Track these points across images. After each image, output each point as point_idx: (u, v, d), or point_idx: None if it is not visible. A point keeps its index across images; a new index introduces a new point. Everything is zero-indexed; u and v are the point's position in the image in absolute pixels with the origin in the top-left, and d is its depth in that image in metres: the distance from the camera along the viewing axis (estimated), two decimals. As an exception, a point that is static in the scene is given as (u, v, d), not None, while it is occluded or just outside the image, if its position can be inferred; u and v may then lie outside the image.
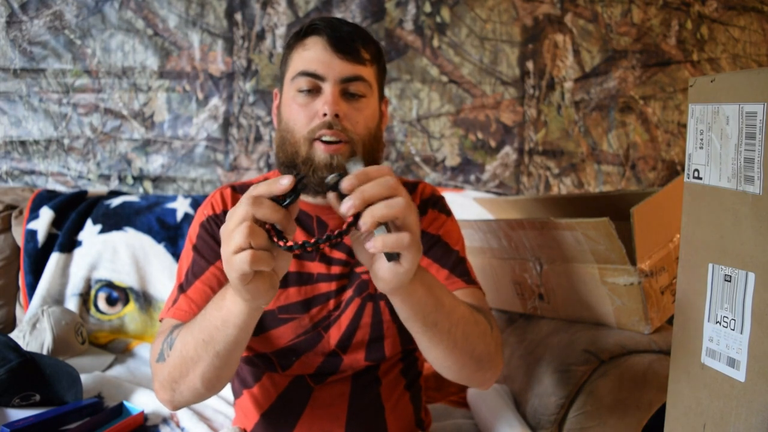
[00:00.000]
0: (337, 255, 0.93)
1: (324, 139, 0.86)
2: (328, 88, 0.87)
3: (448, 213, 1.03)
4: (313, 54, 0.88)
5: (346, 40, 0.87)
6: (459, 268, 0.97)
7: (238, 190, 0.98)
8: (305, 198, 0.95)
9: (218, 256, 0.90)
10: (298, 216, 0.94)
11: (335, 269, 0.92)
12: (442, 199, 1.03)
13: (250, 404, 0.96)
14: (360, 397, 0.93)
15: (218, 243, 0.89)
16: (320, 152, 0.86)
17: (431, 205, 1.01)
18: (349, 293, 0.92)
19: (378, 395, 0.94)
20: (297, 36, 0.91)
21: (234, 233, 0.58)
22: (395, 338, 0.95)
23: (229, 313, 0.67)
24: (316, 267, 0.92)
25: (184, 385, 0.76)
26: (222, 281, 0.89)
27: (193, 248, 0.93)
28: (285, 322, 0.90)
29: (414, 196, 1.01)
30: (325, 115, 0.85)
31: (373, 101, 0.92)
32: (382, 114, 0.97)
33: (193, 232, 0.96)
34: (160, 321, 0.90)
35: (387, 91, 1.86)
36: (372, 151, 0.91)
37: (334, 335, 0.91)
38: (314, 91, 0.88)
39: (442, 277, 0.96)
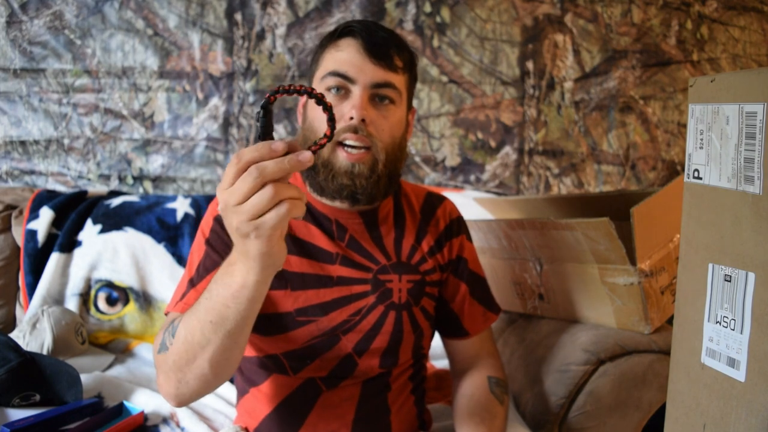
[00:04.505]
0: (359, 259, 0.93)
1: (347, 143, 0.85)
2: (357, 91, 0.85)
3: (468, 234, 1.06)
4: (346, 56, 0.86)
5: (381, 46, 0.86)
6: (488, 298, 1.05)
7: None
8: (323, 200, 0.94)
9: (231, 250, 0.87)
10: (318, 218, 0.94)
11: (356, 273, 0.92)
12: (463, 219, 1.06)
13: (256, 403, 0.95)
14: (368, 401, 0.93)
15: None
16: (342, 159, 0.85)
17: (464, 230, 1.05)
18: (371, 299, 0.91)
19: (385, 399, 0.94)
20: (331, 36, 0.90)
21: (255, 198, 0.56)
22: (409, 346, 0.95)
23: (242, 287, 0.65)
24: (336, 270, 0.91)
25: (190, 373, 0.73)
26: None
27: (206, 242, 0.90)
28: (302, 325, 0.89)
29: (442, 212, 1.02)
30: (351, 118, 0.84)
31: (401, 110, 0.91)
32: (408, 123, 0.96)
33: (206, 225, 0.92)
34: (166, 314, 0.87)
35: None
36: (394, 160, 0.91)
37: (353, 339, 0.90)
38: (343, 93, 0.87)
39: (480, 313, 1.02)
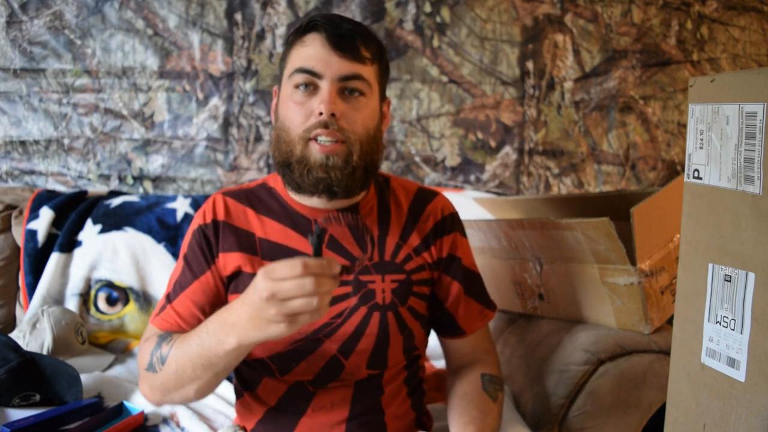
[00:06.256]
0: (339, 260, 0.93)
1: (320, 140, 0.85)
2: (325, 86, 0.85)
3: (463, 231, 1.04)
4: (312, 51, 0.86)
5: (346, 38, 0.85)
6: (483, 295, 1.03)
7: (234, 196, 0.97)
8: (302, 200, 0.94)
9: (204, 270, 0.92)
10: (296, 220, 0.94)
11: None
12: (457, 215, 1.04)
13: (250, 405, 0.96)
14: (361, 404, 0.92)
15: (205, 254, 0.92)
16: (315, 152, 0.85)
17: (457, 226, 1.02)
18: (353, 301, 0.90)
19: (379, 402, 0.93)
20: (296, 33, 0.89)
21: (303, 302, 0.66)
22: (399, 348, 0.94)
23: (236, 348, 0.74)
24: None
25: (176, 394, 0.84)
26: (207, 294, 0.91)
27: (184, 258, 0.94)
28: None
29: (432, 209, 1.00)
30: (321, 114, 0.84)
31: (373, 101, 0.90)
32: (383, 115, 0.95)
33: (186, 240, 0.96)
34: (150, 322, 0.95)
35: (387, 91, 1.86)
36: (370, 152, 0.89)
37: (337, 342, 0.90)
38: (311, 89, 0.86)
39: (476, 311, 1.01)
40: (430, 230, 0.98)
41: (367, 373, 0.92)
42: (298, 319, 0.67)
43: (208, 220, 0.94)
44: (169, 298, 0.93)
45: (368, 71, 0.88)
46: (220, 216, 0.94)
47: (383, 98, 0.96)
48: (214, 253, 0.93)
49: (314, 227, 0.70)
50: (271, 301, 0.66)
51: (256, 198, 0.97)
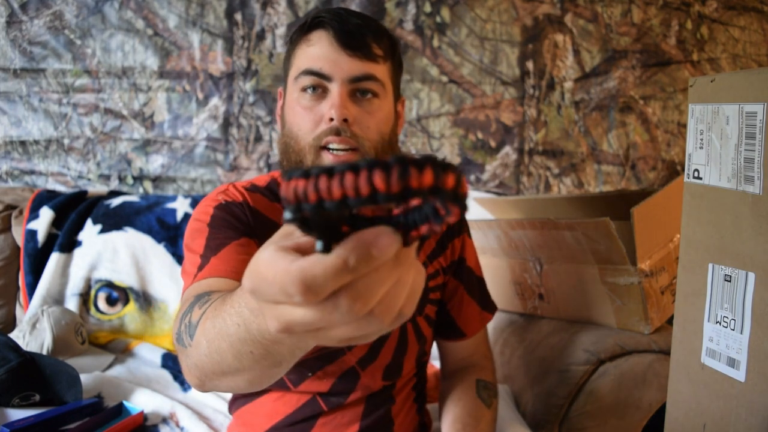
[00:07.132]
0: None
1: (332, 146, 0.77)
2: (335, 88, 0.77)
3: (468, 230, 1.01)
4: (319, 50, 0.78)
5: (355, 35, 0.78)
6: (485, 297, 1.01)
7: (255, 189, 0.88)
8: None
9: (241, 234, 0.79)
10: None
11: None
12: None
13: (254, 416, 0.91)
14: (371, 415, 0.90)
15: (242, 223, 0.82)
16: (328, 162, 0.77)
17: (465, 227, 0.99)
18: None
19: (389, 411, 0.92)
20: (301, 30, 0.82)
21: (360, 330, 0.34)
22: (413, 356, 0.92)
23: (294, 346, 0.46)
24: None
25: (220, 383, 0.57)
26: (245, 258, 0.73)
27: (208, 225, 0.81)
28: None
29: None
30: (332, 119, 0.77)
31: (387, 102, 0.83)
32: (397, 115, 0.89)
33: (203, 214, 0.83)
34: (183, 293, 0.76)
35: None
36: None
37: (357, 353, 0.87)
38: (320, 92, 0.79)
39: (476, 313, 0.99)
40: (444, 233, 0.95)
41: (381, 384, 0.90)
42: (362, 339, 0.36)
43: (238, 199, 0.84)
44: (206, 255, 0.75)
45: (381, 70, 0.81)
46: (251, 202, 0.85)
47: (397, 97, 0.89)
48: (254, 233, 0.81)
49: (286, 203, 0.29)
50: (291, 336, 0.34)
51: (278, 195, 0.90)
